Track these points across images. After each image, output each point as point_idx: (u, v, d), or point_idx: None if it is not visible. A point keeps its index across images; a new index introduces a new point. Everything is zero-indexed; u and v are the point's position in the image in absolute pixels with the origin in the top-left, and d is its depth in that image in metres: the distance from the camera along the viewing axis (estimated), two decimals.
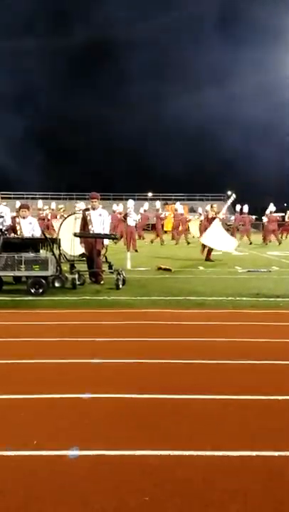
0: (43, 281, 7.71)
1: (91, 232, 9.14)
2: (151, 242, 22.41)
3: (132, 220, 18.09)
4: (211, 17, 63.88)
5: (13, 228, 9.06)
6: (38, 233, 9.03)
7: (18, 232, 8.89)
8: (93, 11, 65.93)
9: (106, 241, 9.56)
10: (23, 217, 9.07)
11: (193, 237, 23.55)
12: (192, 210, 39.69)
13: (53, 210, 23.13)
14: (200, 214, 25.45)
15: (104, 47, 59.36)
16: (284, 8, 55.58)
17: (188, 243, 21.96)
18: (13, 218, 9.48)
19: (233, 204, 21.59)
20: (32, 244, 8.43)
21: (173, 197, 44.11)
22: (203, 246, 14.33)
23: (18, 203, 23.35)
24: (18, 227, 8.98)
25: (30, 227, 8.98)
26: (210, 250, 13.93)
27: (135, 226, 18.80)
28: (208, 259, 13.77)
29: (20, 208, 9.32)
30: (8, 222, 9.44)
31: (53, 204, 23.09)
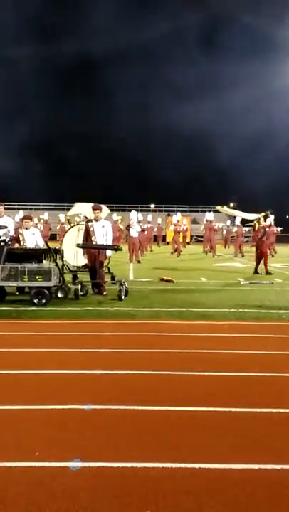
0: (46, 291, 7.73)
1: (94, 243, 9.18)
2: (172, 253, 21.74)
3: (135, 231, 18.12)
4: (201, 29, 64.40)
5: (16, 239, 9.11)
6: (40, 244, 9.09)
7: (22, 243, 8.94)
8: (84, 23, 66.26)
9: (109, 252, 9.58)
10: (26, 228, 9.13)
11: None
12: (195, 222, 39.73)
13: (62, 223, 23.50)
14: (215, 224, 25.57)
15: (97, 58, 60.23)
16: (277, 21, 56.04)
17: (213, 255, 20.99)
18: (16, 229, 9.54)
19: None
20: (35, 254, 8.47)
21: (175, 208, 44.26)
22: (259, 259, 13.35)
23: (45, 215, 23.48)
24: (21, 238, 9.03)
25: (33, 238, 9.04)
26: (266, 262, 13.22)
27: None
28: (267, 272, 13.02)
29: (24, 218, 9.40)
30: (12, 233, 9.49)
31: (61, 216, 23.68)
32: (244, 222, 21.28)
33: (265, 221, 13.67)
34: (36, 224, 22.09)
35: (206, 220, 23.45)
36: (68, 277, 9.51)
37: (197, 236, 31.88)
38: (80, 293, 8.50)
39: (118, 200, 40.74)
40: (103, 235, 9.21)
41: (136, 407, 3.49)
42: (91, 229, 9.26)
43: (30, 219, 9.44)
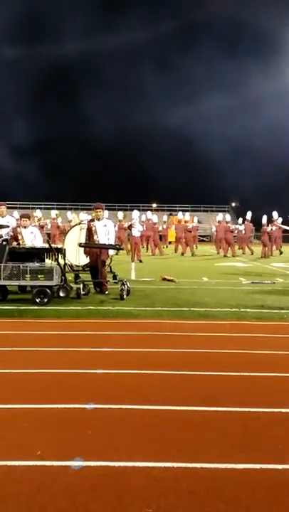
0: (48, 290, 7.73)
1: (96, 242, 9.18)
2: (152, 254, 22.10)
3: (137, 230, 18.12)
4: (184, 33, 64.66)
5: (15, 238, 9.12)
6: (39, 242, 9.09)
7: (20, 242, 8.94)
8: (62, 26, 66.56)
9: (111, 251, 9.59)
10: (24, 227, 9.15)
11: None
12: (197, 222, 39.70)
13: (54, 218, 23.63)
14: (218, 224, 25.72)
15: (89, 59, 60.87)
16: (264, 22, 56.03)
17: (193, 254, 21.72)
18: (15, 228, 9.55)
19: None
20: (37, 253, 8.48)
21: (177, 208, 44.27)
22: None
23: (38, 212, 23.68)
24: (19, 237, 9.04)
25: (31, 237, 9.05)
26: None
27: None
28: None
29: (21, 217, 9.41)
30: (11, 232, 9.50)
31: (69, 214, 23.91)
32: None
33: None
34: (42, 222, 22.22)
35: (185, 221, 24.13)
36: (70, 276, 9.51)
37: (199, 236, 31.76)
38: (82, 292, 8.49)
39: (119, 200, 40.93)
40: (105, 234, 9.21)
41: (137, 407, 3.49)
42: (93, 228, 9.27)
43: (28, 218, 9.45)
